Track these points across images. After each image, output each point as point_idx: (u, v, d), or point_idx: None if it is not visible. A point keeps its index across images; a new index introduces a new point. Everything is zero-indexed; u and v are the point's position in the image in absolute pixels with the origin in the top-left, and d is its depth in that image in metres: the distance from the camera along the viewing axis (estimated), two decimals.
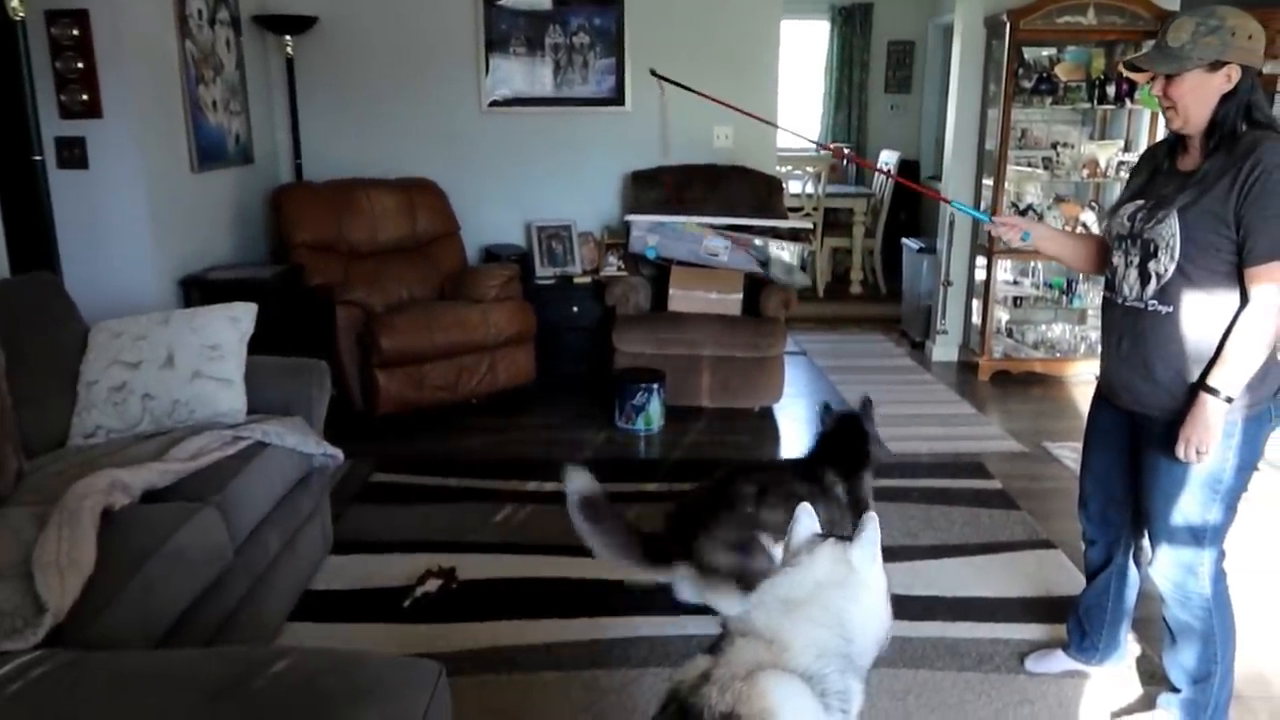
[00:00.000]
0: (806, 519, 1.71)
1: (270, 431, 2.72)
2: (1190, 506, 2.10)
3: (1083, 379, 5.31)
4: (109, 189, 3.76)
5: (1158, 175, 2.13)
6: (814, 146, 5.08)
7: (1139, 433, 2.20)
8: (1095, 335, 5.46)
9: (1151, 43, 2.10)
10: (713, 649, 1.56)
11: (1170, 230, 2.01)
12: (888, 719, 2.36)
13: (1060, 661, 2.57)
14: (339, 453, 2.95)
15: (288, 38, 4.92)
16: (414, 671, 1.61)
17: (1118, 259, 2.16)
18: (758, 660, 1.47)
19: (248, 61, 4.79)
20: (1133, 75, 2.11)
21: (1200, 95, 1.97)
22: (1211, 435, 1.99)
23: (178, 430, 2.69)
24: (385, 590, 2.98)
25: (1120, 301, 2.15)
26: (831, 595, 1.56)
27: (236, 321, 2.92)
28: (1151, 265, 2.06)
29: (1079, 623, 2.53)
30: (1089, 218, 5.26)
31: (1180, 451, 2.03)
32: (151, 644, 2.00)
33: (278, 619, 2.72)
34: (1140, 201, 2.12)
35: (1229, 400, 1.98)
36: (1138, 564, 2.43)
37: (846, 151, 7.63)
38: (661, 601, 2.86)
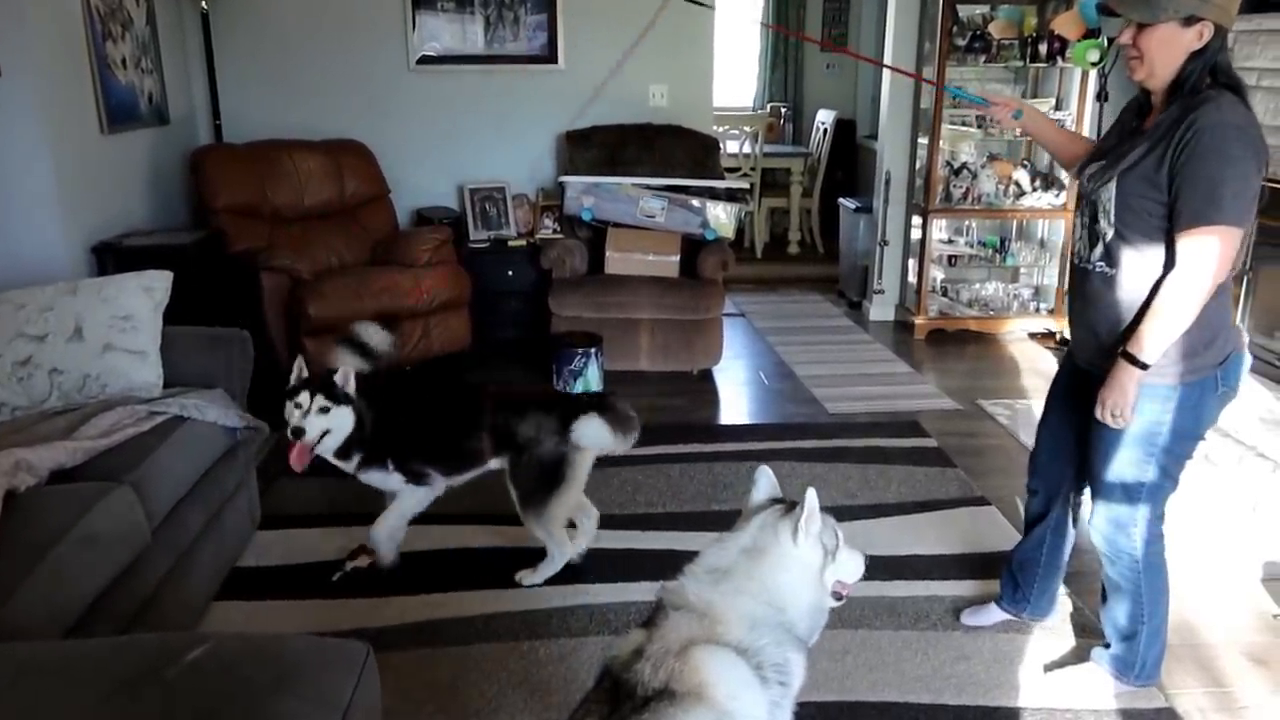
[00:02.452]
0: (764, 483, 1.68)
1: (189, 405, 2.61)
2: (1124, 465, 2.12)
3: (1016, 337, 5.39)
4: (10, 152, 3.54)
5: (1125, 135, 2.08)
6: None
7: (1091, 392, 2.20)
8: (1028, 293, 5.54)
9: None
10: (647, 622, 1.52)
11: (1109, 193, 2.01)
12: (827, 679, 2.36)
13: (993, 614, 2.61)
14: (264, 425, 2.85)
15: None
16: (339, 653, 1.55)
17: (1077, 218, 2.17)
18: (691, 634, 1.44)
19: (159, 17, 4.55)
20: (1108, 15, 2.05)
21: (1169, 49, 1.91)
22: (1127, 399, 2.00)
23: (89, 406, 2.56)
24: (315, 565, 2.90)
25: (1077, 262, 2.15)
26: (757, 565, 1.53)
27: (150, 290, 2.78)
28: (1096, 227, 2.06)
29: (1011, 575, 2.56)
30: (1021, 175, 5.31)
31: (1098, 413, 2.05)
32: (61, 633, 1.90)
33: (203, 599, 2.63)
34: (1101, 162, 2.08)
35: (1144, 366, 1.97)
36: (1074, 520, 2.46)
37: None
38: (598, 569, 2.83)
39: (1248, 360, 2.13)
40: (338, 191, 4.81)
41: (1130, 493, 2.14)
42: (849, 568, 1.66)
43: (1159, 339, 1.95)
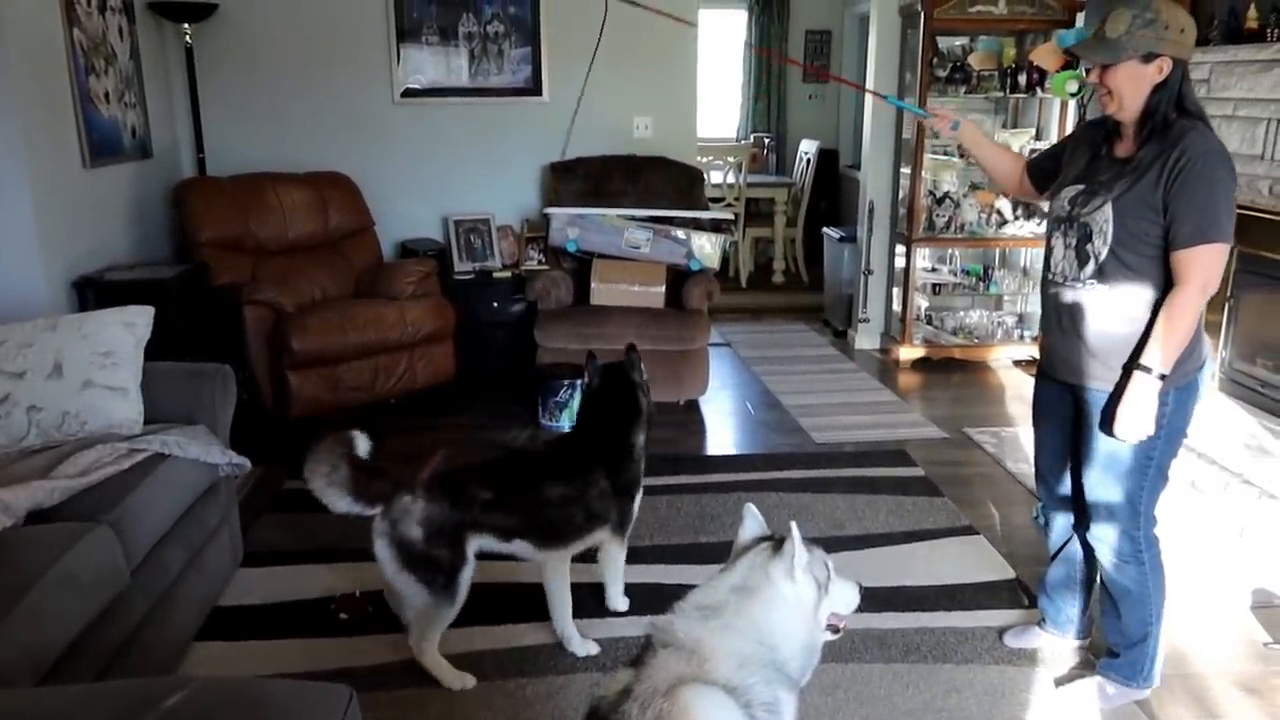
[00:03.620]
0: (750, 522, 1.67)
1: (170, 442, 2.57)
2: (1126, 475, 2.19)
3: (1001, 364, 5.41)
4: None
5: (1097, 160, 2.21)
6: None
7: (1077, 404, 2.28)
8: (1011, 321, 5.57)
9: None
10: (635, 661, 1.50)
11: (1104, 216, 2.11)
12: (818, 714, 2.34)
13: (1035, 637, 2.62)
14: (246, 461, 2.82)
15: (186, 26, 4.70)
16: (321, 697, 1.52)
17: (1056, 240, 2.25)
18: (679, 673, 1.42)
19: (143, 51, 4.56)
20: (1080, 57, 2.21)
21: (1134, 84, 2.06)
22: (1149, 412, 2.08)
23: (68, 444, 2.52)
24: (299, 603, 2.86)
25: (1061, 281, 2.23)
26: (747, 604, 1.51)
27: (131, 326, 2.76)
28: (1088, 248, 2.15)
29: (1050, 599, 2.58)
30: (1003, 204, 5.35)
31: (1119, 430, 2.11)
32: (38, 677, 1.86)
33: (184, 640, 2.59)
34: (1080, 186, 2.20)
35: (1161, 377, 2.06)
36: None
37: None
38: (587, 605, 2.80)
39: (1212, 366, 2.23)
40: (322, 224, 4.80)
41: (1132, 501, 2.21)
42: (844, 599, 1.65)
43: (1173, 349, 2.06)
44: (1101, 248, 2.12)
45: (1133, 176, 2.07)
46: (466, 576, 2.43)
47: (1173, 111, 2.05)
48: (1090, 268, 2.15)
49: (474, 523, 2.41)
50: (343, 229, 4.87)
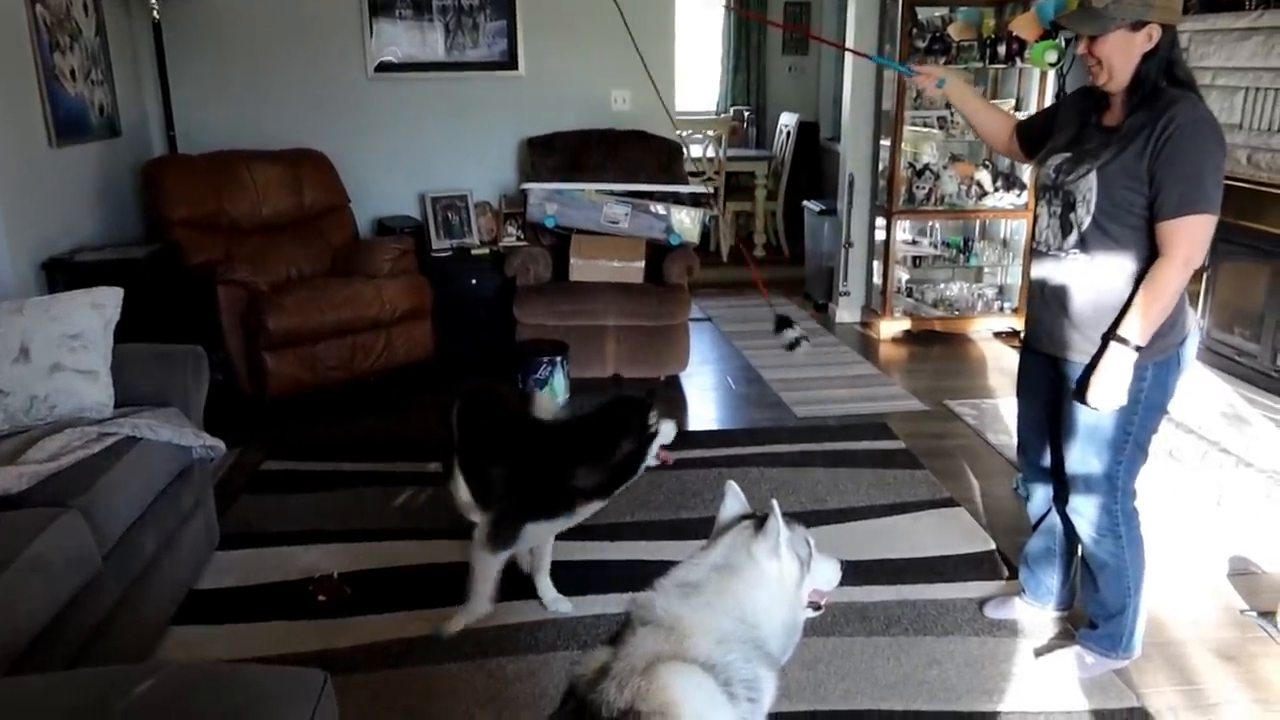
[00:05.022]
0: (732, 499, 1.65)
1: (141, 425, 2.53)
2: (1105, 448, 2.18)
3: (981, 336, 5.41)
4: None
5: (1085, 129, 2.18)
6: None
7: (1059, 377, 2.26)
8: (992, 293, 5.57)
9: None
10: (614, 639, 1.49)
11: (1088, 185, 2.08)
12: (799, 689, 2.34)
13: (1015, 608, 2.63)
14: (220, 444, 2.78)
15: (153, 0, 4.60)
16: (295, 682, 1.50)
17: (1042, 209, 2.23)
18: (657, 651, 1.40)
19: (109, 27, 4.46)
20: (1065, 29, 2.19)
21: (1123, 53, 2.01)
22: (1123, 382, 2.07)
23: (36, 429, 2.48)
24: (277, 586, 2.83)
25: (1045, 250, 2.22)
26: (728, 582, 1.50)
27: (100, 308, 2.70)
28: (1072, 216, 2.13)
29: (1030, 570, 2.58)
30: (983, 176, 5.34)
31: (1092, 399, 2.10)
32: (7, 666, 1.83)
33: (160, 624, 2.56)
34: (1067, 154, 2.18)
35: (1138, 349, 2.05)
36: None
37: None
38: (565, 581, 2.79)
39: (1196, 339, 2.22)
40: (296, 202, 4.73)
41: (1110, 474, 2.20)
42: (825, 575, 1.64)
43: (1151, 321, 2.04)
44: (1084, 217, 2.10)
45: (1119, 145, 2.04)
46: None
47: (1162, 79, 2.01)
48: (1073, 237, 2.13)
49: None
50: (318, 207, 4.80)
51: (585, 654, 1.49)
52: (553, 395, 4.31)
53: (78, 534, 2.11)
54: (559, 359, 4.31)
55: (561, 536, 2.68)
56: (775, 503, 1.53)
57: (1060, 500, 2.39)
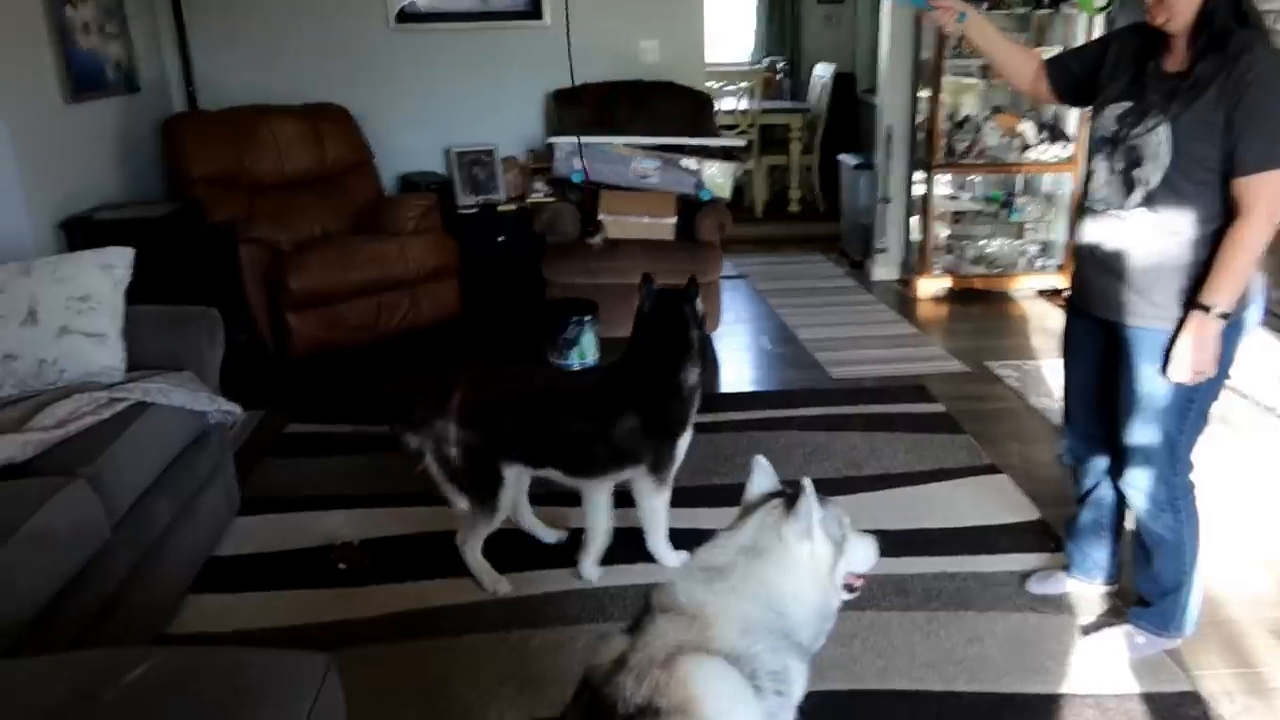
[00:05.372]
0: (760, 475, 1.54)
1: (152, 389, 2.46)
2: (1165, 418, 2.04)
3: (1024, 294, 5.22)
4: None
5: (1144, 75, 1.98)
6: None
7: (1113, 341, 2.11)
8: (1035, 250, 5.36)
9: None
10: (632, 627, 1.39)
11: (1159, 139, 1.91)
12: (833, 666, 2.23)
13: (1062, 583, 2.50)
14: (236, 407, 2.71)
15: None
16: (296, 667, 1.42)
17: (1099, 164, 2.05)
18: (678, 641, 1.30)
19: None
20: None
21: None
22: (1212, 352, 1.92)
23: (45, 394, 2.42)
24: (297, 553, 2.77)
25: (1102, 209, 2.05)
26: (756, 565, 1.39)
27: (110, 269, 2.63)
28: (1136, 173, 1.96)
29: (1078, 544, 2.45)
30: (1026, 128, 5.10)
31: (1175, 373, 1.95)
32: (11, 640, 1.78)
33: (176, 593, 2.51)
34: (1128, 104, 1.99)
35: (1224, 316, 1.90)
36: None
37: None
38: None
39: (1261, 303, 2.06)
40: (318, 158, 4.63)
41: (1171, 445, 2.07)
42: (860, 556, 1.53)
43: (1236, 285, 1.90)
44: (1153, 174, 1.92)
45: (1190, 94, 1.86)
46: (505, 494, 2.51)
47: (1230, 21, 1.83)
48: (1137, 195, 1.96)
49: (504, 451, 2.49)
50: (341, 163, 4.70)
51: (601, 641, 1.39)
52: (581, 357, 4.21)
53: (85, 504, 2.05)
54: (588, 318, 4.20)
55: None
56: (808, 481, 1.42)
57: (1113, 473, 2.25)
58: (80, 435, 2.23)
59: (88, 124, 4.00)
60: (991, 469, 3.20)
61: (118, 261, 2.66)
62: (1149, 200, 1.95)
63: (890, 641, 2.34)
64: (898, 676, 2.22)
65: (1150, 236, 1.96)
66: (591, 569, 2.62)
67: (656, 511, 2.62)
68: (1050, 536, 2.78)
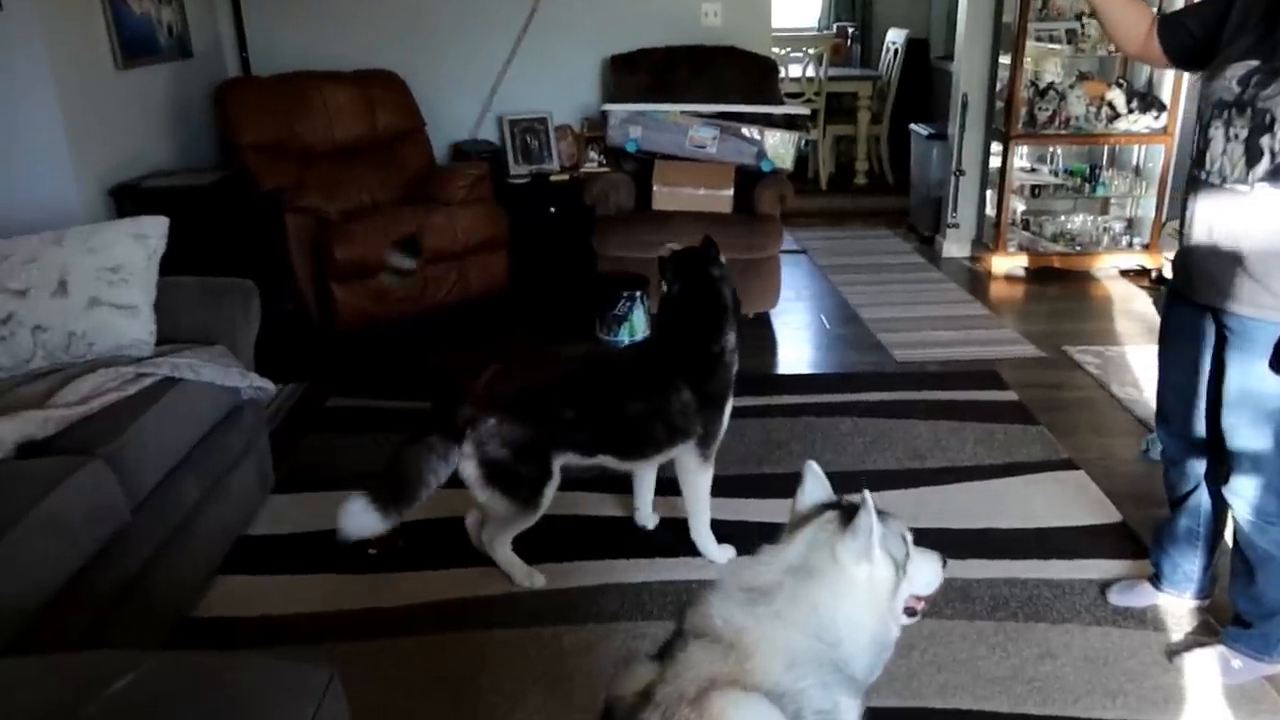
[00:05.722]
0: (812, 483, 1.36)
1: (181, 365, 2.37)
2: (1275, 419, 1.82)
3: (1106, 275, 4.92)
4: (16, 92, 3.31)
5: (1275, 33, 1.74)
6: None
7: (1221, 333, 1.89)
8: (1120, 226, 5.05)
9: None
10: (661, 653, 1.23)
11: None
12: (890, 680, 2.04)
13: (1147, 595, 2.30)
14: (269, 384, 2.62)
15: None
16: (295, 681, 1.30)
17: (1216, 130, 1.81)
18: (712, 673, 1.15)
19: None
20: None
21: None
22: None
23: (72, 368, 2.34)
24: (331, 534, 2.63)
25: (1218, 181, 1.81)
26: (806, 588, 1.22)
27: (143, 239, 2.54)
28: (1265, 140, 1.72)
29: (1167, 553, 2.24)
30: (1116, 96, 4.77)
31: None
32: (22, 625, 1.70)
33: (204, 574, 2.43)
34: (1255, 63, 1.75)
35: None
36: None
37: None
38: (631, 542, 2.57)
39: None
40: (370, 125, 4.53)
41: None
42: (924, 577, 1.35)
43: None
44: None
45: None
46: (550, 489, 2.36)
47: None
48: (1263, 165, 1.72)
49: (557, 441, 2.34)
50: (392, 130, 4.59)
51: (625, 668, 1.24)
52: (631, 333, 4.05)
53: (102, 485, 1.96)
54: (639, 294, 4.03)
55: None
56: (867, 493, 1.24)
57: (1212, 478, 2.02)
58: (103, 413, 2.15)
59: (138, 90, 3.94)
60: (1068, 464, 2.98)
61: (152, 231, 2.57)
62: (1276, 172, 1.71)
63: (952, 654, 2.15)
64: (960, 694, 2.04)
65: (1275, 214, 1.73)
66: (651, 520, 2.65)
67: (701, 490, 2.49)
68: (1132, 541, 2.55)
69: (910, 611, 1.35)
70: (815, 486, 1.36)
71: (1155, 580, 2.28)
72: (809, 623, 1.21)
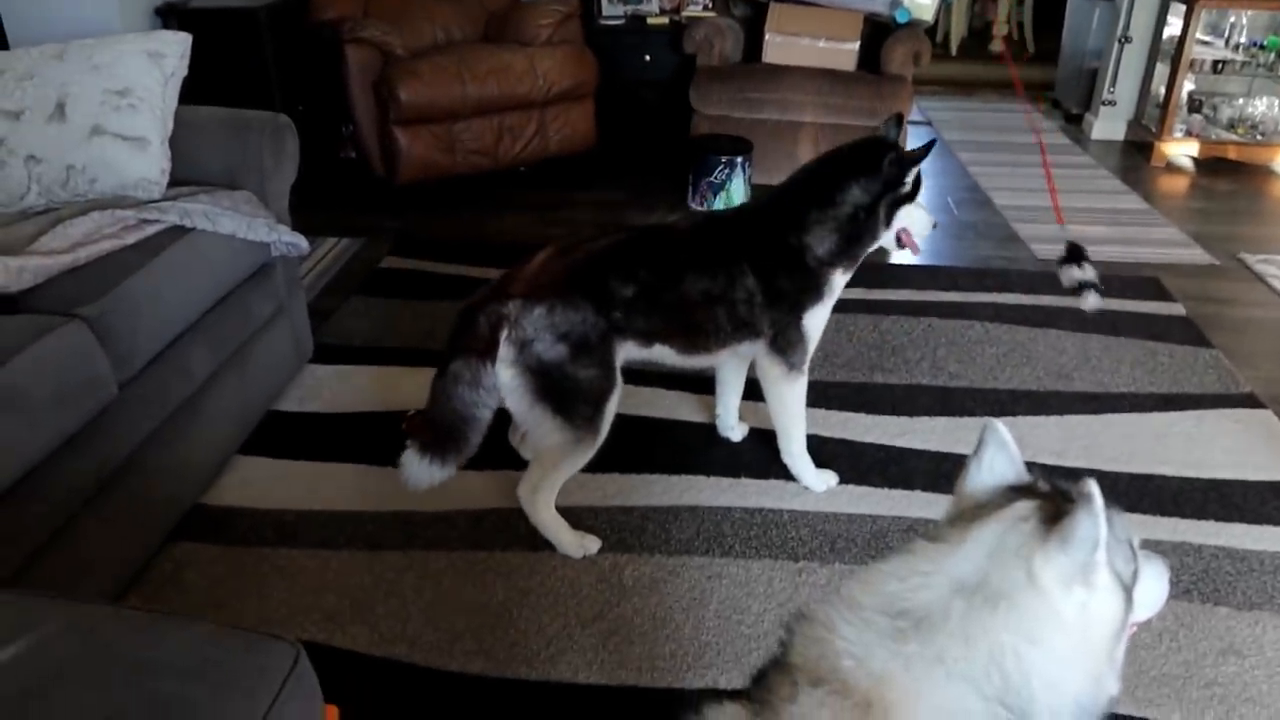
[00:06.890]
0: (995, 453, 0.90)
1: (195, 212, 2.00)
2: None
3: None
4: None
5: None
6: None
7: None
8: None
9: None
10: (754, 694, 0.83)
11: None
12: None
13: None
14: (300, 239, 2.23)
15: None
16: (246, 662, 0.94)
17: None
18: None
19: None
20: None
21: None
22: None
23: (66, 209, 1.98)
24: (368, 416, 2.34)
25: None
26: (986, 620, 0.79)
27: (158, 57, 2.13)
28: None
29: None
30: None
31: None
32: None
33: (219, 454, 2.11)
34: None
35: None
36: None
37: None
38: (707, 459, 2.17)
39: None
40: None
41: None
42: (1149, 597, 0.91)
43: None
44: None
45: None
46: (614, 403, 1.86)
47: None
48: None
49: (618, 327, 1.83)
50: None
51: (706, 712, 0.84)
52: (728, 204, 3.56)
53: (81, 353, 1.62)
54: (740, 160, 3.54)
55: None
56: (1093, 483, 0.79)
57: None
58: (93, 265, 1.79)
59: None
60: (1250, 400, 2.45)
61: (170, 49, 2.16)
62: None
63: None
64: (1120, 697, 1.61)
65: None
66: (736, 430, 2.28)
67: (789, 405, 2.03)
68: None
69: None
70: (999, 458, 0.91)
71: None
72: (986, 675, 0.78)
